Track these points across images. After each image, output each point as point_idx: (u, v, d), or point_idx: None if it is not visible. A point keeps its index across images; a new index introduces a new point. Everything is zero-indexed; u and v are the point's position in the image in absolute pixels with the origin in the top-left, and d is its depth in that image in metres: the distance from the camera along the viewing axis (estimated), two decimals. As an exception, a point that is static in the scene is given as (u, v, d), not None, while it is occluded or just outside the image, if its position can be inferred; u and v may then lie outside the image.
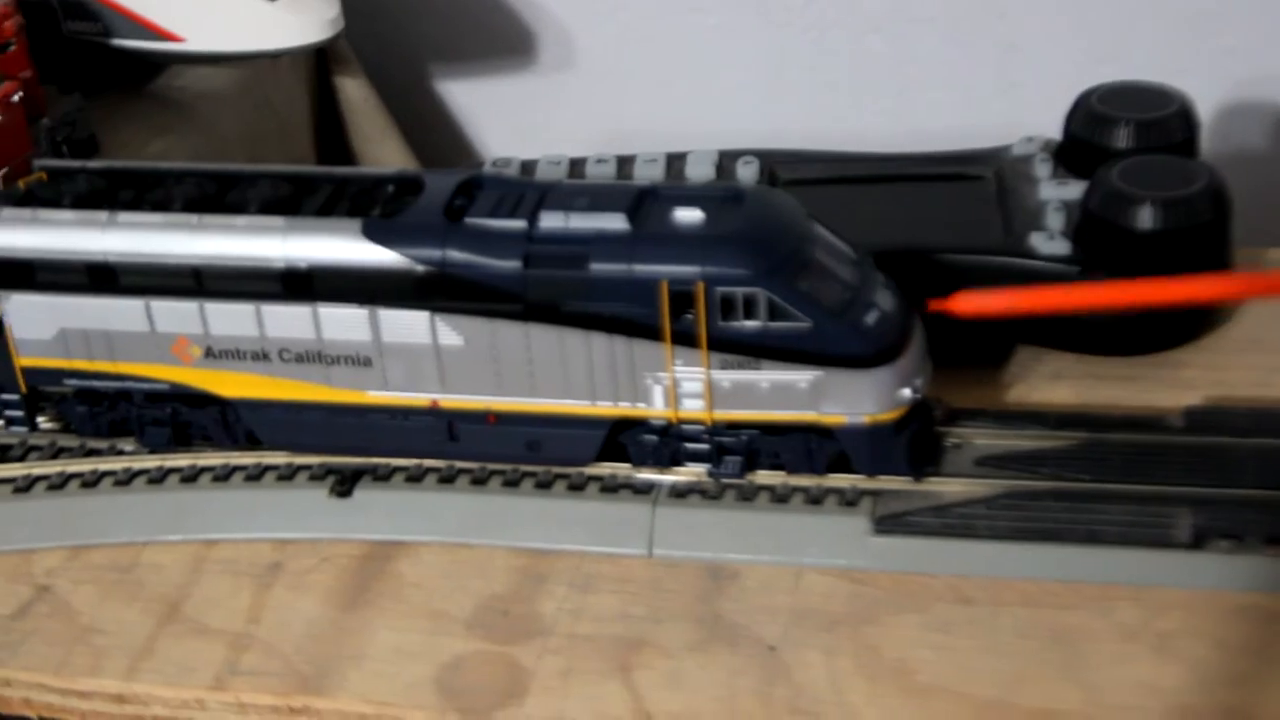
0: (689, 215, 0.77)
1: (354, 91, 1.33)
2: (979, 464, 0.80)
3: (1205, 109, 0.95)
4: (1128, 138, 0.91)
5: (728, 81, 1.32)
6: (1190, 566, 0.75)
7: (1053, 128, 0.96)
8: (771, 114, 1.30)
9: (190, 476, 0.86)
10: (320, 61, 1.32)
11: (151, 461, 0.87)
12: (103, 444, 0.88)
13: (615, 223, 0.77)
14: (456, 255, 0.77)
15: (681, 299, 0.75)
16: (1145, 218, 0.85)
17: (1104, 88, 0.94)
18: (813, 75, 1.29)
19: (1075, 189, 0.90)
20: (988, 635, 0.73)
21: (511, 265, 0.77)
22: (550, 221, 0.77)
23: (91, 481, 0.86)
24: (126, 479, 0.86)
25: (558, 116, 1.39)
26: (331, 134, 1.34)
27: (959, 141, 1.00)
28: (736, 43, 1.31)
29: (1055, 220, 0.89)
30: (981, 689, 0.71)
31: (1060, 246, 0.87)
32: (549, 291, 0.77)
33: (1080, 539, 0.76)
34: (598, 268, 0.76)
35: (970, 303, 0.79)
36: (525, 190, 0.80)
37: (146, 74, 1.23)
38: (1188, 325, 0.90)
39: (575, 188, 0.80)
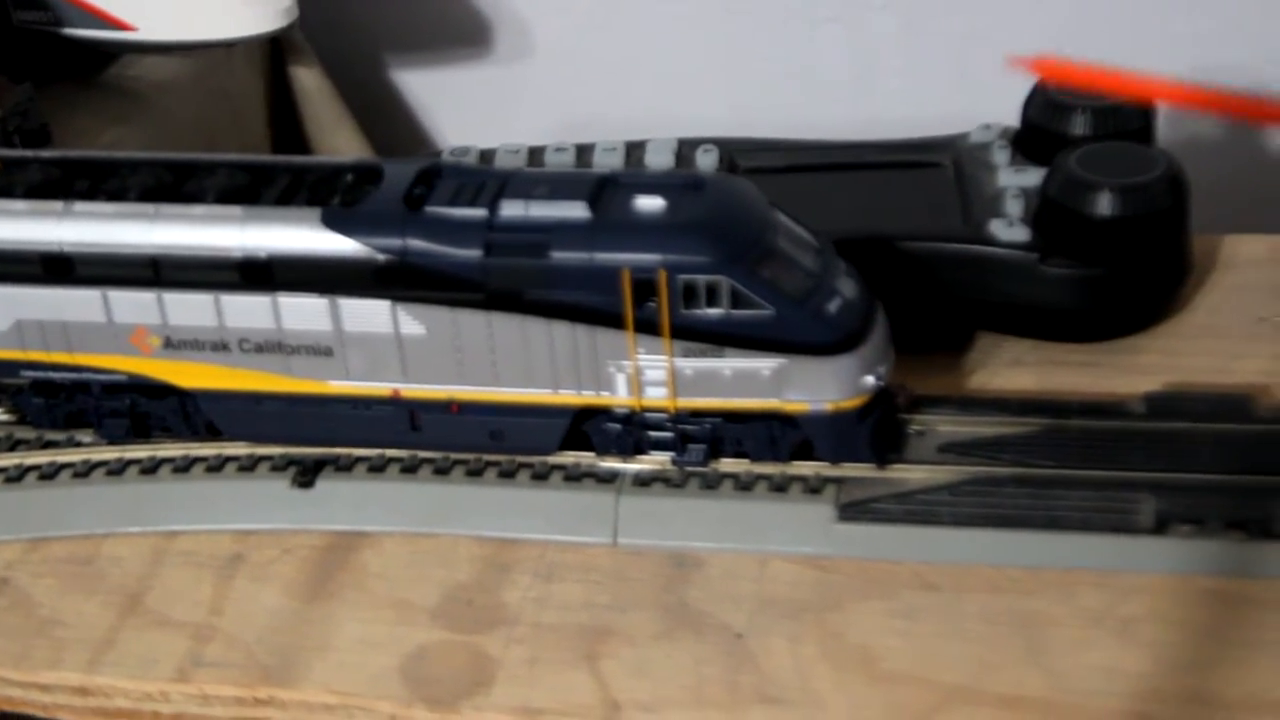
0: (650, 203, 0.77)
1: (309, 80, 1.32)
2: (942, 451, 0.80)
3: (1160, 96, 0.95)
4: (1085, 125, 0.91)
5: (686, 70, 1.32)
6: (1152, 551, 0.75)
7: (1009, 116, 0.96)
8: (729, 102, 1.29)
9: (150, 468, 0.85)
10: (275, 50, 1.31)
11: (110, 453, 0.86)
12: (60, 436, 0.88)
13: (576, 211, 0.76)
14: (417, 244, 0.77)
15: (644, 287, 0.75)
16: (1104, 204, 0.85)
17: (1062, 75, 0.95)
18: (771, 64, 1.30)
19: (1034, 176, 0.91)
20: (952, 621, 0.74)
21: (472, 254, 0.77)
22: (511, 210, 0.77)
23: (49, 474, 0.86)
24: (85, 471, 0.85)
25: (514, 105, 1.39)
26: (286, 123, 1.33)
27: (916, 130, 1.00)
28: (694, 31, 1.31)
29: (1014, 207, 0.89)
30: (946, 675, 0.71)
31: (1019, 233, 0.88)
32: (510, 280, 0.77)
33: (1043, 525, 0.76)
34: (559, 256, 0.76)
35: (1055, 67, 0.75)
36: (485, 179, 0.79)
37: (99, 63, 1.22)
38: (1144, 313, 0.90)
39: (535, 176, 0.80)
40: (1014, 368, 0.89)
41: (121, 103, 1.19)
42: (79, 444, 0.87)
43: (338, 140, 1.32)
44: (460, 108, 1.42)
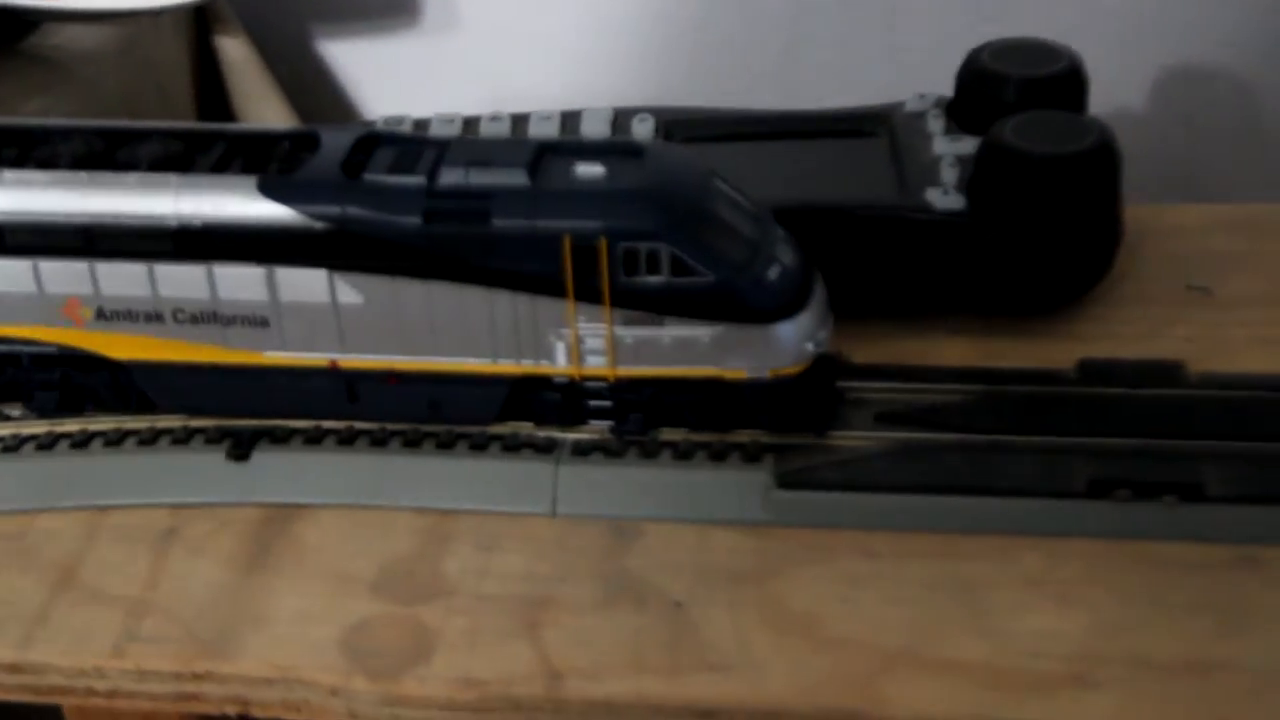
0: (590, 170, 0.76)
1: (235, 51, 1.30)
2: (880, 419, 0.81)
3: (1089, 67, 0.96)
4: (1019, 93, 0.92)
5: (617, 40, 1.31)
6: (1089, 515, 0.76)
7: (940, 87, 0.97)
8: (662, 72, 1.29)
9: (81, 442, 0.84)
10: (200, 20, 1.30)
11: (40, 427, 0.85)
12: (-12, 410, 0.86)
13: (516, 178, 0.76)
14: (355, 212, 0.76)
15: (584, 254, 0.75)
16: (1037, 172, 0.86)
17: (995, 44, 0.95)
18: (703, 33, 1.29)
19: (968, 144, 0.91)
20: (893, 587, 0.74)
21: (411, 221, 0.76)
22: (450, 177, 0.76)
23: (-22, 448, 0.84)
24: (15, 445, 0.84)
25: (442, 76, 1.38)
26: (212, 95, 1.32)
27: (846, 99, 1.00)
28: (625, 0, 1.30)
29: (949, 175, 0.89)
30: (888, 639, 0.72)
31: (954, 201, 0.88)
32: (450, 248, 0.76)
33: (981, 490, 0.77)
34: (499, 223, 0.75)
35: None
36: (424, 146, 0.79)
37: (20, 31, 1.19)
38: (1078, 281, 0.91)
39: (475, 143, 0.80)
40: (950, 336, 0.89)
41: (43, 72, 1.17)
42: (8, 418, 0.86)
43: (265, 112, 1.31)
44: (388, 78, 1.40)
